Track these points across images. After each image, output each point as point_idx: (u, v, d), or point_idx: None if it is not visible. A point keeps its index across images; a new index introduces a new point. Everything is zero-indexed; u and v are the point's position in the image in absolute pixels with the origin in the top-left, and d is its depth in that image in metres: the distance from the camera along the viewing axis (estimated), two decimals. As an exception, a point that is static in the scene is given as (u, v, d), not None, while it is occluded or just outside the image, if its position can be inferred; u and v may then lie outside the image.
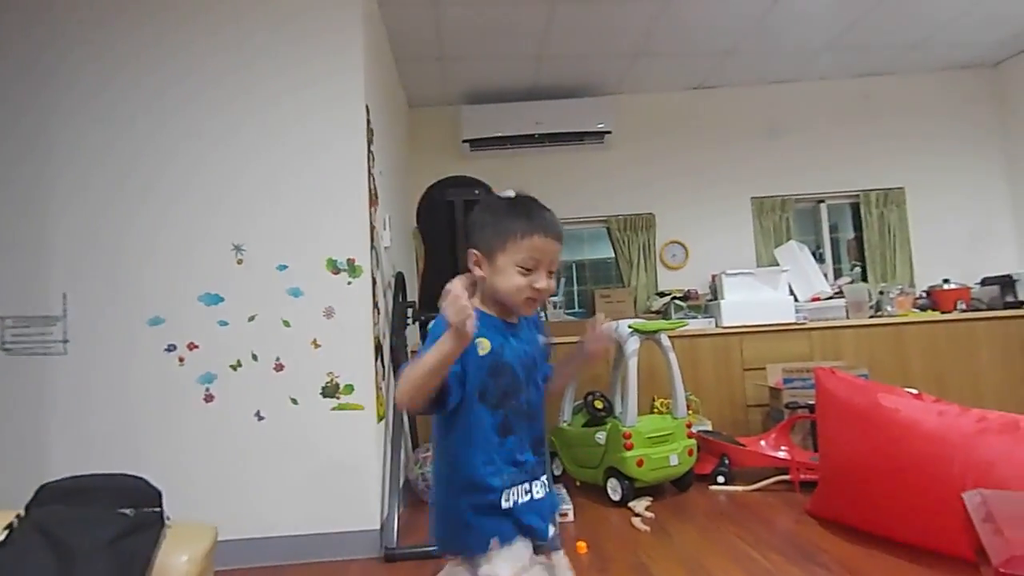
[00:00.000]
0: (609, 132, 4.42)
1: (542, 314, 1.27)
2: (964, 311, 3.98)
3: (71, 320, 2.46)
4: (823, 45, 4.07)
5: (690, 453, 3.09)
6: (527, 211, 1.08)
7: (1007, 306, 3.99)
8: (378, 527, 2.46)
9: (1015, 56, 4.40)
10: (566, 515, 2.76)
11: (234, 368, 2.48)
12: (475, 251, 1.09)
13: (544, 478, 1.14)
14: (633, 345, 3.09)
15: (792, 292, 4.14)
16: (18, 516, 1.27)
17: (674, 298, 4.26)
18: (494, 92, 4.41)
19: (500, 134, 4.35)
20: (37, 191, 2.51)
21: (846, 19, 3.74)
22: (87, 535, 1.22)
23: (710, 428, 3.59)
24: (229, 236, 2.52)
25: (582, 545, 2.40)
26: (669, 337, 3.25)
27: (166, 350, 2.45)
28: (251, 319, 2.50)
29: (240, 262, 2.52)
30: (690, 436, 3.15)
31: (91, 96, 2.55)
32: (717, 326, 4.00)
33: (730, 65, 4.28)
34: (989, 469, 1.92)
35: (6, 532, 1.23)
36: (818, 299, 4.14)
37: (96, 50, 2.57)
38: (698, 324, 4.00)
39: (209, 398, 2.45)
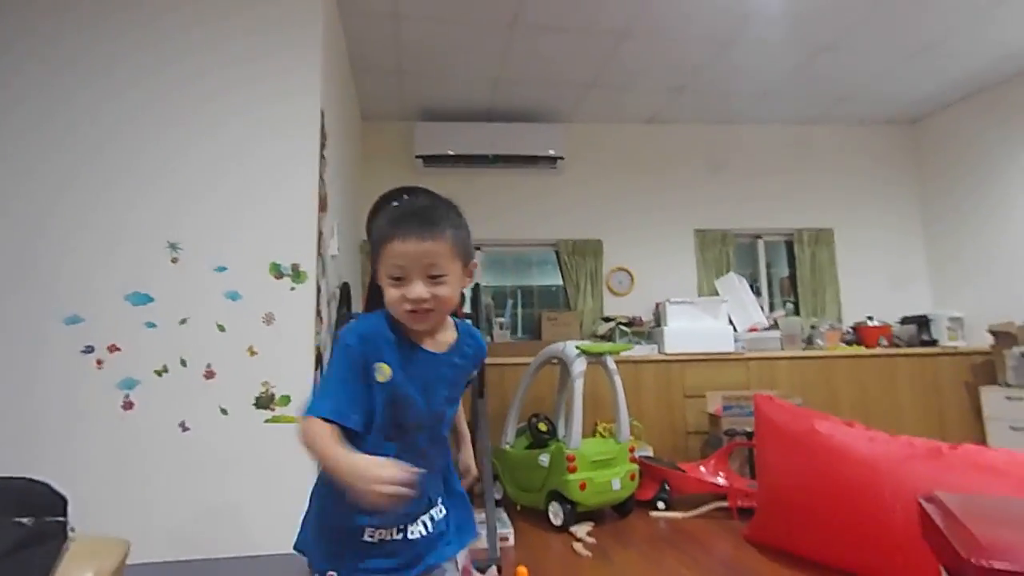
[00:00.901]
0: (561, 158, 4.50)
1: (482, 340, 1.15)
2: (886, 347, 4.23)
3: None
4: (763, 92, 4.32)
5: (632, 478, 3.09)
6: (392, 214, 0.98)
7: (923, 343, 4.27)
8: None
9: (930, 115, 4.82)
10: (507, 539, 2.68)
11: (159, 374, 2.29)
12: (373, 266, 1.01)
13: (431, 515, 1.04)
14: (580, 367, 3.09)
15: (731, 322, 4.28)
16: None
17: (619, 323, 4.32)
18: (450, 110, 4.42)
19: (454, 152, 4.35)
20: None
21: (784, 69, 4.00)
22: (-26, 546, 1.07)
23: (651, 454, 3.62)
24: (164, 233, 2.37)
25: (523, 570, 2.32)
26: (614, 361, 3.28)
27: (83, 351, 2.25)
28: (182, 322, 2.34)
29: (175, 261, 2.36)
30: (632, 461, 3.16)
31: (10, 71, 2.36)
32: (660, 352, 4.07)
33: (679, 103, 4.47)
34: (917, 493, 2.00)
35: None
36: (755, 330, 4.30)
37: (20, 19, 2.39)
38: (642, 350, 4.06)
39: (128, 405, 2.25)
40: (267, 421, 2.34)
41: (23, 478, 1.22)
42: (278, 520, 2.29)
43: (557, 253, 4.65)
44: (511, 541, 2.70)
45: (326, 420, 0.90)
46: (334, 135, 2.99)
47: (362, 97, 4.20)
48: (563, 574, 2.37)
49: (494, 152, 4.38)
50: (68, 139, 2.36)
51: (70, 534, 1.19)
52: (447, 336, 1.04)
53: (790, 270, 4.95)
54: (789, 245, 4.93)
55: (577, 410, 3.02)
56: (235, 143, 2.46)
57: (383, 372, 0.95)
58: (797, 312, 4.70)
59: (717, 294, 4.49)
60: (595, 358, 3.21)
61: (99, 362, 2.26)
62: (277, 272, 2.43)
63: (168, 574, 2.14)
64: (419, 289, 0.94)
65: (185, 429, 2.28)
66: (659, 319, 4.30)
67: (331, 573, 0.97)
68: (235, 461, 2.30)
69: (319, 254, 2.56)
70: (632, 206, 4.71)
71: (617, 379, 3.22)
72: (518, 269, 5.01)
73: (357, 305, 3.18)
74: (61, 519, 1.20)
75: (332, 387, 0.94)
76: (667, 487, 3.23)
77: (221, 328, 2.35)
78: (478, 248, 4.66)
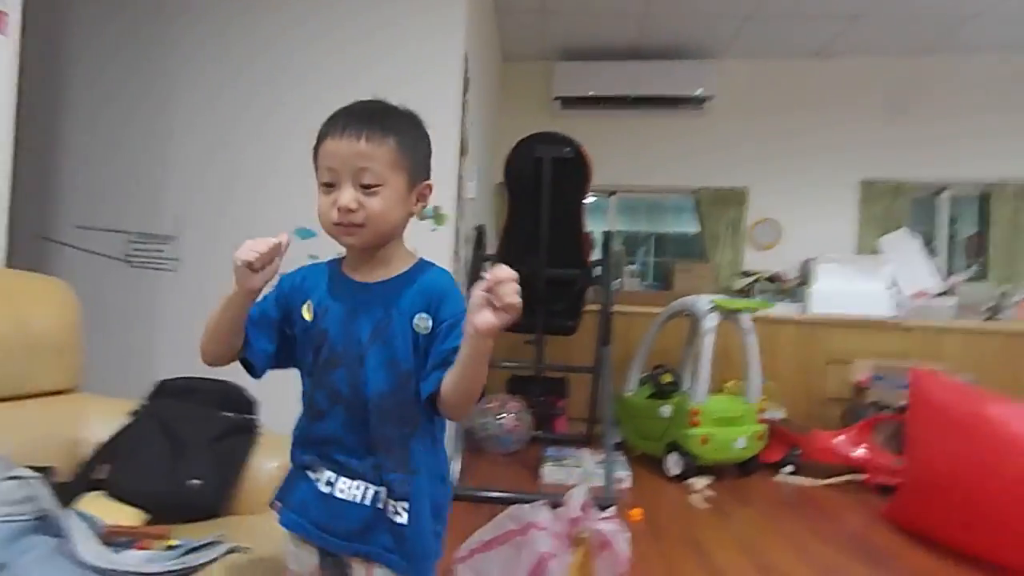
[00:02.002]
0: (709, 98, 4.19)
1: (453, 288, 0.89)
2: (1100, 326, 3.54)
3: (183, 240, 2.67)
4: (970, 13, 3.62)
5: (759, 438, 2.99)
6: (340, 110, 0.85)
7: None
8: (441, 467, 2.55)
9: None
10: (623, 482, 2.76)
11: (320, 301, 2.60)
12: None
13: (373, 489, 0.84)
14: (711, 323, 3.00)
15: (894, 285, 3.83)
16: (141, 405, 1.42)
17: (759, 279, 4.06)
18: (591, 49, 4.26)
19: (593, 94, 4.23)
20: (162, 118, 2.70)
21: (1002, -17, 3.30)
22: (196, 429, 1.35)
23: (783, 417, 3.44)
24: (324, 175, 2.62)
25: (637, 512, 2.39)
26: (751, 319, 3.12)
27: (262, 277, 2.61)
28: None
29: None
30: (761, 422, 3.04)
31: (215, 33, 2.69)
32: (804, 313, 3.78)
33: (854, 32, 3.90)
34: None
35: (132, 417, 1.38)
36: (924, 295, 3.81)
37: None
38: (783, 309, 3.80)
39: (294, 326, 2.60)
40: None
41: (226, 381, 1.48)
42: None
43: (696, 201, 4.42)
44: (627, 484, 2.77)
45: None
46: (476, 78, 3.05)
47: (503, 37, 4.19)
48: (677, 522, 2.40)
49: (636, 93, 4.19)
50: (233, 83, 2.68)
51: (259, 430, 1.44)
52: (393, 268, 0.88)
53: (980, 229, 4.26)
54: (983, 200, 4.22)
55: (704, 366, 2.95)
56: (383, 89, 2.60)
57: (307, 310, 0.89)
58: (984, 278, 4.06)
59: (878, 254, 4.01)
60: (729, 314, 3.08)
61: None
62: (421, 214, 2.59)
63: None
64: (347, 196, 0.80)
65: (341, 350, 2.59)
66: (806, 277, 3.96)
67: (277, 503, 0.92)
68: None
69: (459, 197, 2.68)
70: (787, 151, 4.28)
71: (752, 338, 3.08)
72: (652, 215, 4.86)
73: (492, 247, 3.31)
74: (253, 417, 1.46)
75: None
76: (797, 452, 3.08)
77: (371, 263, 2.59)
78: (612, 193, 4.57)
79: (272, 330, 0.90)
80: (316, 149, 0.85)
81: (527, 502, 1.88)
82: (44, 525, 0.90)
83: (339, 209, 0.80)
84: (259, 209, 2.64)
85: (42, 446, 1.19)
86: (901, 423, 2.77)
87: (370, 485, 0.84)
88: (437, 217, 2.60)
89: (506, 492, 2.48)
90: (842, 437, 3.03)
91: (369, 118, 0.82)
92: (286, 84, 2.65)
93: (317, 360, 0.86)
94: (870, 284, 3.76)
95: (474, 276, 3.01)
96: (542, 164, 2.78)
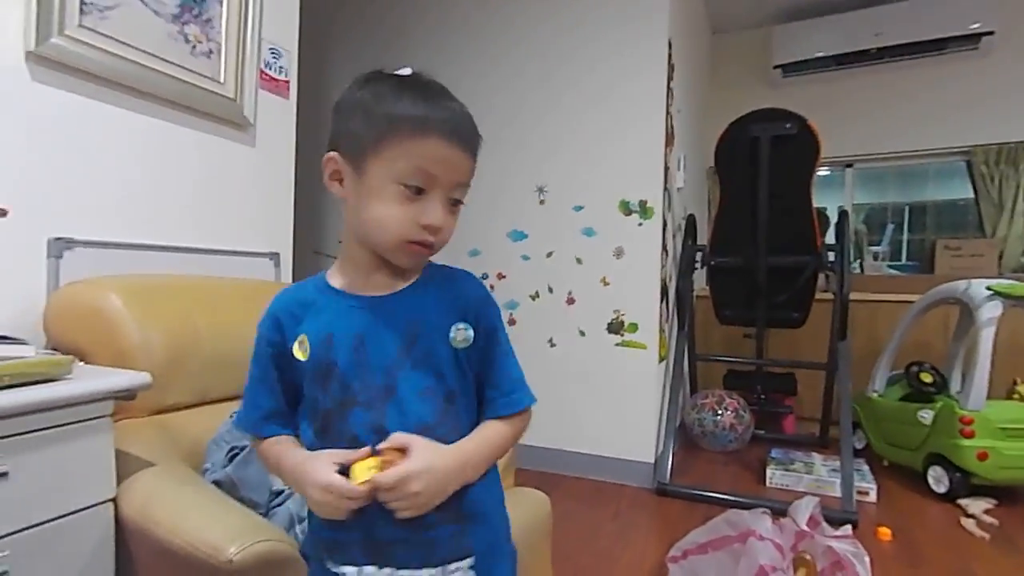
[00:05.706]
0: (989, 33, 3.38)
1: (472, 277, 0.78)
2: None
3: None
4: None
5: (1068, 459, 2.36)
6: (425, 93, 0.67)
7: None
8: (652, 461, 2.55)
9: None
10: (867, 495, 2.43)
11: (533, 298, 2.78)
12: (335, 153, 0.69)
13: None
14: (991, 312, 2.44)
15: None
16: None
17: (1069, 254, 3.17)
18: (818, 3, 3.75)
19: (822, 54, 3.72)
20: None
21: None
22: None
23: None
24: (534, 178, 2.78)
25: (886, 532, 2.09)
26: (1053, 306, 2.47)
27: (481, 278, 2.87)
28: (549, 255, 2.75)
29: (542, 203, 2.77)
30: (1071, 438, 2.39)
31: (432, 38, 2.98)
32: None
33: None
34: None
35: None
36: None
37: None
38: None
39: (512, 322, 2.82)
40: (617, 345, 2.62)
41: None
42: (622, 429, 2.60)
43: (969, 163, 3.61)
44: (872, 497, 2.43)
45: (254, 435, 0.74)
46: (681, 62, 2.93)
47: (711, 7, 3.91)
48: (942, 549, 2.03)
49: (883, 43, 3.58)
50: (459, 94, 2.93)
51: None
52: (409, 274, 0.73)
53: None
54: None
55: (982, 364, 2.42)
56: (587, 90, 2.66)
57: (303, 348, 0.71)
58: None
59: None
60: (1019, 302, 2.48)
61: (491, 287, 2.86)
62: (626, 209, 2.60)
63: (540, 456, 2.68)
64: (440, 213, 0.67)
65: (552, 345, 2.74)
66: None
67: None
68: (590, 375, 2.66)
69: (665, 189, 2.62)
70: (1111, 84, 3.26)
71: (1054, 331, 2.43)
72: (904, 184, 4.10)
73: (703, 236, 3.15)
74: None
75: (247, 393, 0.74)
76: None
77: (579, 261, 2.69)
78: (849, 164, 3.98)
79: (280, 403, 0.74)
80: (404, 134, 0.65)
81: (746, 506, 1.79)
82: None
83: (430, 227, 0.67)
84: (475, 213, 2.88)
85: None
86: None
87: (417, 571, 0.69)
88: (643, 211, 2.57)
89: (723, 493, 2.37)
90: None
91: (473, 126, 0.70)
92: (508, 99, 2.83)
93: (323, 403, 0.70)
94: None
95: (686, 269, 2.90)
96: (759, 145, 2.56)
